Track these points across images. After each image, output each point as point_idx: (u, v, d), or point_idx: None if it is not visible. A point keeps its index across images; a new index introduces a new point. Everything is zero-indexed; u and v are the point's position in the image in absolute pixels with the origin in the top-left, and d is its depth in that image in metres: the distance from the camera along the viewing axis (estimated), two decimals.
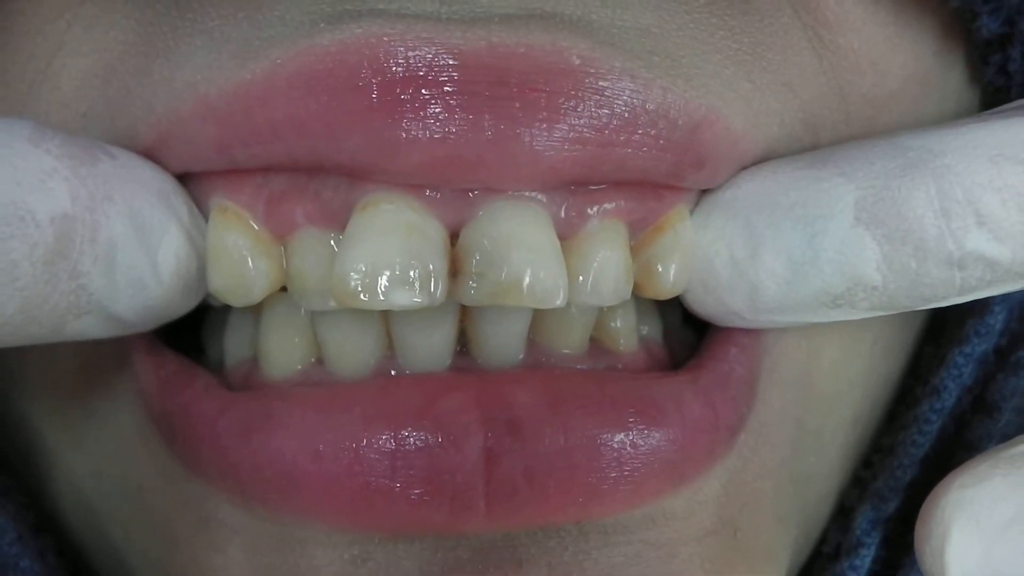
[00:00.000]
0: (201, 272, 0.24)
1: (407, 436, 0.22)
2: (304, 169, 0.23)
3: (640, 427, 0.23)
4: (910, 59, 0.25)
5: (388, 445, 0.22)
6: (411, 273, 0.22)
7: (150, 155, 0.23)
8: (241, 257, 0.24)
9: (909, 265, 0.21)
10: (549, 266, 0.23)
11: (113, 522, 0.26)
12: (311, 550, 0.23)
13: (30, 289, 0.19)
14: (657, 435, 0.23)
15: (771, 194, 0.23)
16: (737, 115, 0.23)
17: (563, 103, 0.21)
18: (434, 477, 0.22)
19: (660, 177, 0.23)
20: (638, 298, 0.27)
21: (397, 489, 0.22)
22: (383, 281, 0.22)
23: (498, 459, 0.22)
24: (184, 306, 0.24)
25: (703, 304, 0.25)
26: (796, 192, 0.23)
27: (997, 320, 0.28)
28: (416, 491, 0.22)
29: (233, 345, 0.27)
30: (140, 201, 0.21)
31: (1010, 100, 0.26)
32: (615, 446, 0.22)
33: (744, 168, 0.24)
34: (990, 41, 0.25)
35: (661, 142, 0.22)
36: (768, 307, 0.23)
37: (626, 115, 0.22)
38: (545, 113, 0.21)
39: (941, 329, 0.30)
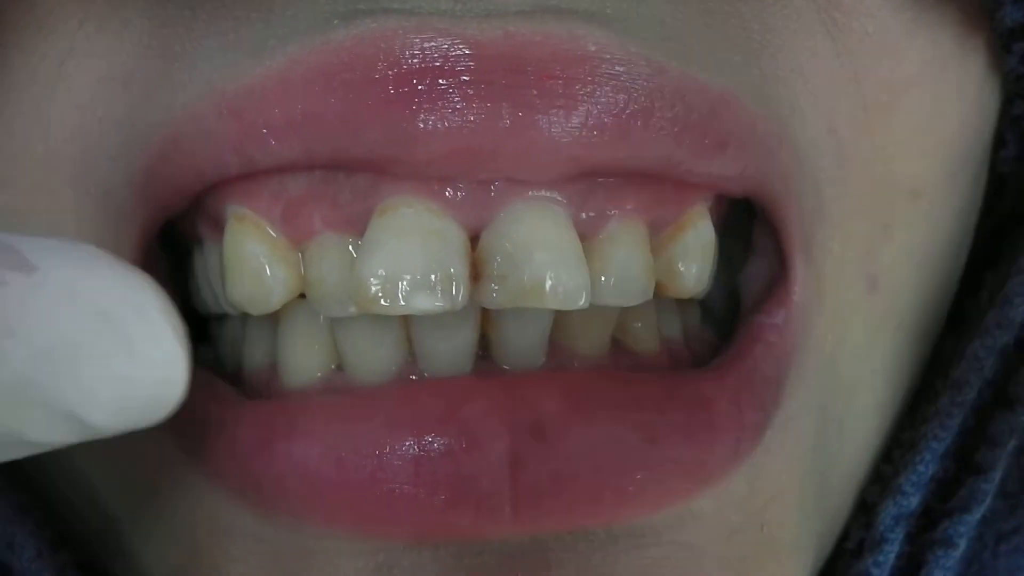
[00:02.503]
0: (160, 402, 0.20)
1: (430, 442, 0.22)
2: (322, 167, 0.23)
3: (666, 428, 0.22)
4: (928, 44, 0.25)
5: (411, 451, 0.22)
6: (432, 277, 0.22)
7: (168, 159, 0.23)
8: (259, 265, 0.24)
9: None
10: (571, 267, 0.23)
11: (131, 532, 0.26)
12: (335, 560, 0.23)
13: None
14: (682, 437, 0.22)
15: None
16: (750, 98, 0.23)
17: (580, 89, 0.21)
18: (459, 482, 0.21)
19: (682, 163, 0.23)
20: (658, 298, 0.27)
21: (421, 495, 0.22)
22: (404, 286, 0.22)
23: (524, 463, 0.22)
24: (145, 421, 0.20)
25: None
26: None
27: (1018, 313, 0.28)
28: (441, 497, 0.21)
29: (251, 353, 0.26)
30: (64, 325, 0.18)
31: None
32: (640, 448, 0.22)
33: (760, 159, 0.24)
34: (1013, 30, 0.25)
35: (679, 125, 0.22)
36: None
37: (643, 99, 0.22)
38: (562, 100, 0.21)
39: (962, 322, 0.30)
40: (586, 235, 0.24)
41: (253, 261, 0.24)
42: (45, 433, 0.18)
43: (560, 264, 0.23)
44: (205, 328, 0.29)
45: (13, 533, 0.25)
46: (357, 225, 0.23)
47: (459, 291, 0.22)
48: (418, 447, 0.22)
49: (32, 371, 0.17)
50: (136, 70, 0.23)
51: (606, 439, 0.22)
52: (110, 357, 0.18)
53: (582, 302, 0.23)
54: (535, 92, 0.21)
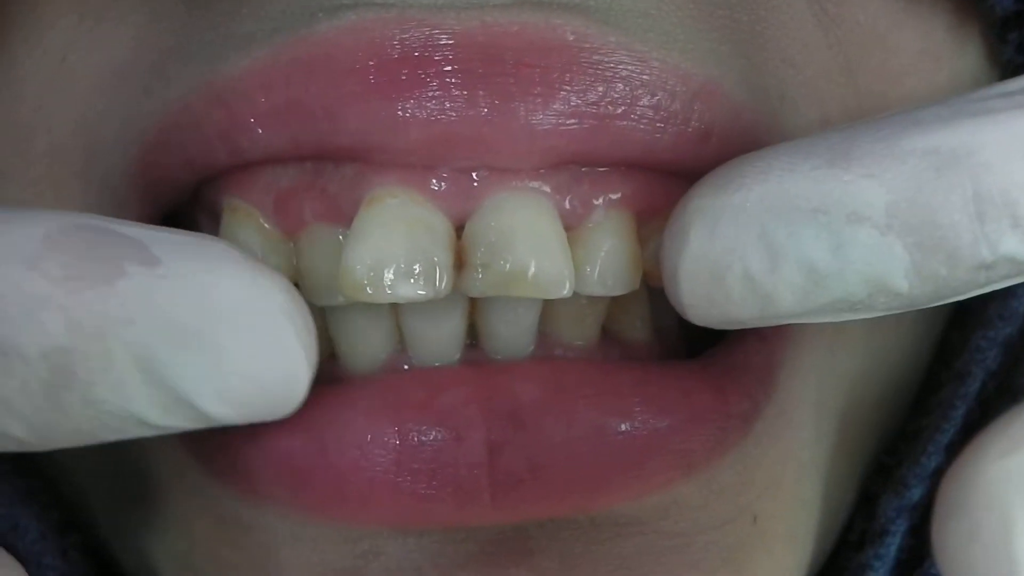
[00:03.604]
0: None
1: (411, 430, 0.22)
2: (310, 158, 0.23)
3: (645, 415, 0.22)
4: (920, 34, 0.24)
5: (393, 441, 0.22)
6: (415, 266, 0.22)
7: (161, 151, 0.23)
8: (253, 254, 0.24)
9: (939, 272, 0.19)
10: (554, 256, 0.23)
11: (133, 517, 0.26)
12: (321, 546, 0.23)
13: (36, 419, 0.18)
14: (663, 423, 0.23)
15: (788, 197, 0.20)
16: (735, 87, 0.23)
17: (558, 78, 0.21)
18: (438, 471, 0.22)
19: (664, 153, 0.23)
20: (652, 289, 0.27)
21: (402, 483, 0.22)
22: (388, 274, 0.22)
23: (501, 451, 0.22)
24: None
25: (705, 316, 0.22)
26: (818, 195, 0.19)
27: (1021, 303, 0.28)
28: (421, 485, 0.22)
29: None
30: (183, 315, 0.18)
31: None
32: (620, 435, 0.22)
33: (747, 150, 0.24)
34: (1006, 19, 0.25)
35: (660, 114, 0.22)
36: (778, 315, 0.21)
37: (622, 88, 0.22)
38: (540, 88, 0.21)
39: (967, 315, 0.29)
40: (572, 225, 0.24)
41: (247, 251, 0.24)
42: (162, 416, 0.19)
43: (543, 252, 0.23)
44: None
45: (17, 516, 0.26)
46: (346, 215, 0.24)
47: (443, 280, 0.23)
48: (399, 437, 0.22)
49: (152, 356, 0.18)
50: (133, 64, 0.23)
51: (585, 428, 0.22)
52: (230, 354, 0.19)
53: (565, 291, 0.23)
54: (512, 81, 0.21)
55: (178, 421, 0.19)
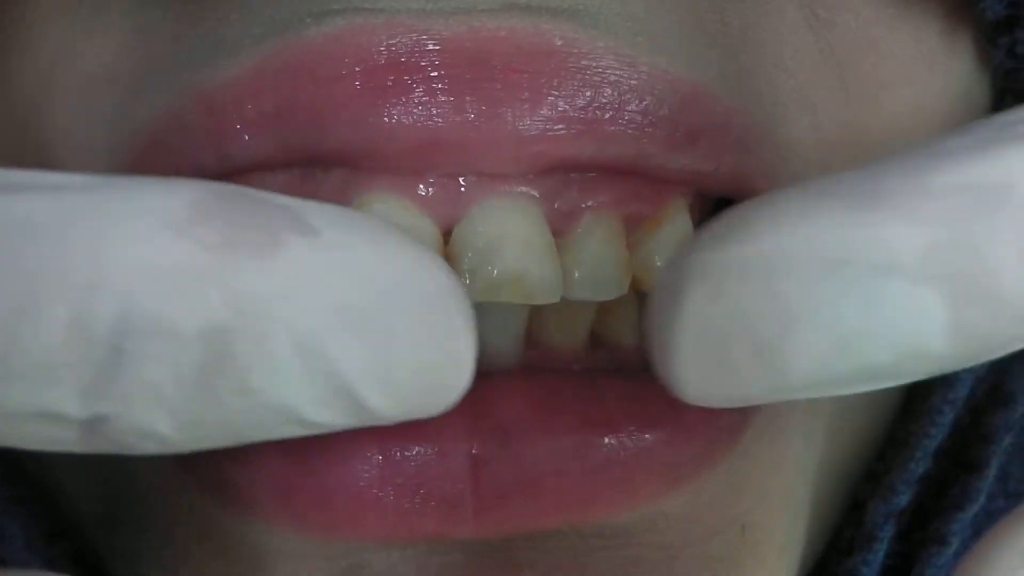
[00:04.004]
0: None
1: (393, 446, 0.22)
2: (298, 164, 0.23)
3: (631, 429, 0.22)
4: (912, 40, 0.24)
5: (376, 456, 0.22)
6: None
7: (149, 158, 0.23)
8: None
9: (980, 327, 0.16)
10: (541, 261, 0.23)
11: (120, 528, 0.26)
12: (308, 561, 0.23)
13: (186, 411, 0.16)
14: (649, 437, 0.22)
15: (804, 248, 0.17)
16: (725, 92, 0.23)
17: (545, 84, 0.21)
18: (422, 486, 0.22)
19: (653, 158, 0.23)
20: (641, 294, 0.26)
21: (386, 498, 0.22)
22: None
23: (485, 466, 0.22)
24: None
25: (705, 395, 0.19)
26: (839, 244, 0.16)
27: None
28: (405, 500, 0.22)
29: None
30: (350, 294, 0.16)
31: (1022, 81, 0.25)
32: (605, 449, 0.22)
33: (737, 155, 0.23)
34: (997, 23, 0.25)
35: (648, 119, 0.22)
36: (793, 389, 0.18)
37: (611, 94, 0.22)
38: (527, 94, 0.21)
39: None
40: (560, 230, 0.24)
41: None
42: (318, 411, 0.16)
43: (530, 258, 0.23)
44: None
45: (3, 524, 0.26)
46: None
47: None
48: (382, 452, 0.22)
49: (314, 339, 0.16)
50: (121, 72, 0.23)
51: (570, 443, 0.22)
52: (395, 336, 0.16)
53: (553, 296, 0.23)
54: (499, 86, 0.21)
55: (335, 417, 0.17)
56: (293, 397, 0.16)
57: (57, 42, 0.23)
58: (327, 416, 0.17)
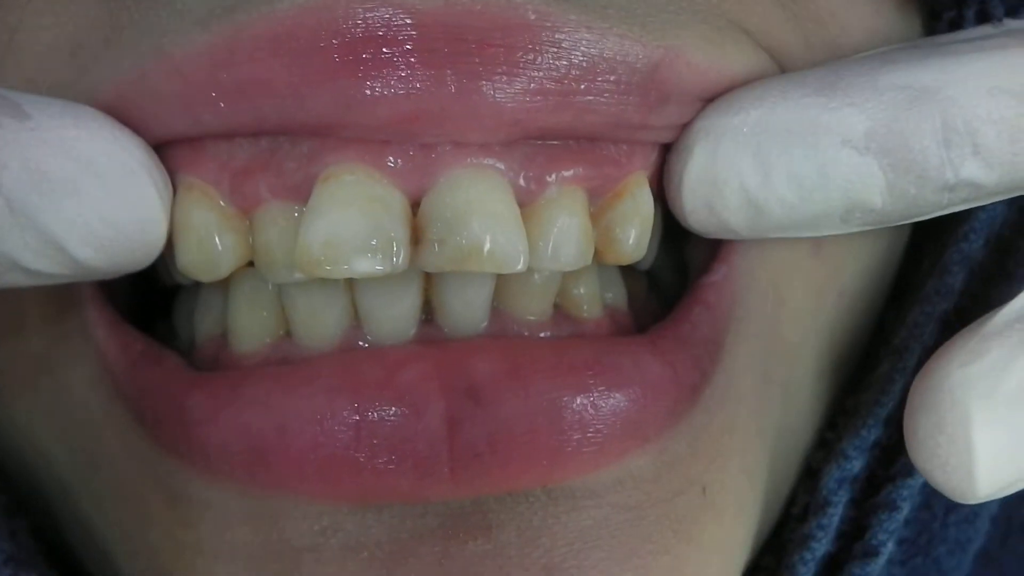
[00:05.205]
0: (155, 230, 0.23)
1: (370, 407, 0.22)
2: (269, 133, 0.23)
3: (600, 389, 0.23)
4: (869, 12, 0.26)
5: (352, 417, 0.22)
6: (372, 241, 0.23)
7: (113, 114, 0.23)
8: (208, 233, 0.24)
9: (909, 191, 0.23)
10: (508, 231, 0.23)
11: (84, 499, 0.26)
12: (282, 523, 0.23)
13: None
14: (617, 396, 0.23)
15: (781, 121, 0.23)
16: (697, 51, 0.24)
17: (521, 57, 0.22)
18: (398, 446, 0.22)
19: (628, 122, 0.24)
20: (601, 266, 0.27)
21: (362, 459, 0.22)
22: (345, 250, 0.23)
23: (460, 425, 0.22)
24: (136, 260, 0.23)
25: (704, 224, 0.25)
26: (806, 120, 0.23)
27: (956, 280, 0.29)
28: (381, 460, 0.22)
29: (203, 322, 0.27)
30: (50, 163, 0.21)
31: None
32: (576, 408, 0.23)
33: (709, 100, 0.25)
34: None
35: (622, 86, 0.23)
36: (768, 227, 0.24)
37: (584, 65, 0.22)
38: (504, 67, 0.22)
39: (903, 291, 0.31)
40: (525, 201, 0.24)
41: (202, 229, 0.24)
42: (36, 261, 0.21)
43: (498, 228, 0.23)
44: (159, 305, 0.30)
45: None
46: (302, 193, 0.24)
47: (399, 255, 0.23)
48: (358, 413, 0.22)
49: (21, 199, 0.20)
50: (84, 40, 0.23)
51: (541, 402, 0.23)
52: (91, 198, 0.21)
53: (519, 266, 0.24)
54: (477, 60, 0.22)
55: (50, 266, 0.21)
56: (10, 247, 0.21)
57: (15, 13, 0.23)
58: (45, 265, 0.21)
